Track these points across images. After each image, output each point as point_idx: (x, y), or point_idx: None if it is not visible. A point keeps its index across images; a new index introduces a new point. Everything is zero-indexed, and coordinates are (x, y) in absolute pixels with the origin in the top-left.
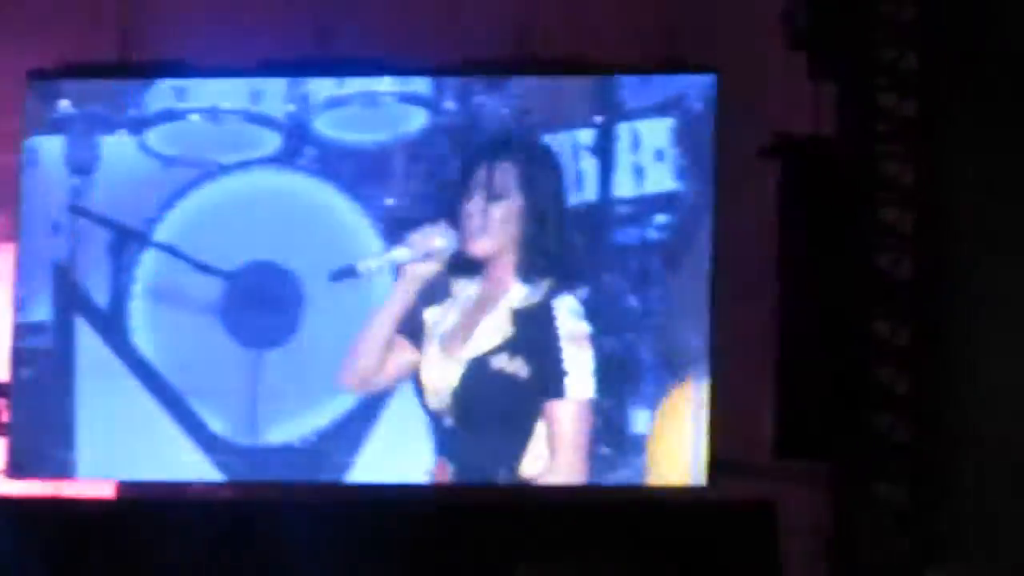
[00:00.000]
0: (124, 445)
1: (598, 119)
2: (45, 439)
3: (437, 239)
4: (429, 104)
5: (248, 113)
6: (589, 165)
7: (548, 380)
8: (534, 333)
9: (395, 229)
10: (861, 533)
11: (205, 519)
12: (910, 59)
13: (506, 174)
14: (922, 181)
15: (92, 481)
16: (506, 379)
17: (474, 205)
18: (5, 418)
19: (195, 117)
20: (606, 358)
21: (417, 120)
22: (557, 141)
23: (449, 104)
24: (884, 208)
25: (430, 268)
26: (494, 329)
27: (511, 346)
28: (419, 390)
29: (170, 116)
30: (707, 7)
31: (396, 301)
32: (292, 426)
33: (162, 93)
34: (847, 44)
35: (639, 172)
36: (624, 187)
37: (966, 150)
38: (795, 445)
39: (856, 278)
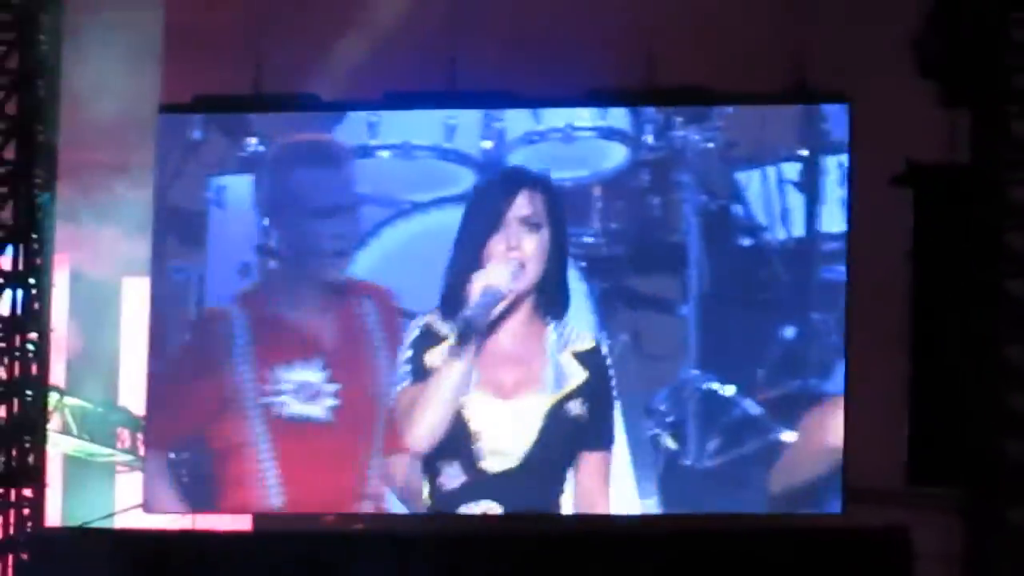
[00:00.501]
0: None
1: (803, 152)
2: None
3: (505, 277)
4: (628, 139)
5: (441, 149)
6: (796, 200)
7: (602, 429)
8: (596, 379)
9: (595, 266)
10: (994, 558)
11: (340, 550)
12: None
13: (538, 203)
14: None
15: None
16: (573, 424)
17: (508, 235)
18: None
19: (386, 154)
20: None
21: (617, 156)
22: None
23: (648, 138)
24: (1014, 234)
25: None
26: (567, 373)
27: (582, 391)
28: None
29: (361, 153)
30: (837, 36)
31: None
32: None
33: (353, 129)
34: (979, 71)
35: (848, 207)
36: (832, 222)
37: None
38: (928, 471)
39: (988, 304)
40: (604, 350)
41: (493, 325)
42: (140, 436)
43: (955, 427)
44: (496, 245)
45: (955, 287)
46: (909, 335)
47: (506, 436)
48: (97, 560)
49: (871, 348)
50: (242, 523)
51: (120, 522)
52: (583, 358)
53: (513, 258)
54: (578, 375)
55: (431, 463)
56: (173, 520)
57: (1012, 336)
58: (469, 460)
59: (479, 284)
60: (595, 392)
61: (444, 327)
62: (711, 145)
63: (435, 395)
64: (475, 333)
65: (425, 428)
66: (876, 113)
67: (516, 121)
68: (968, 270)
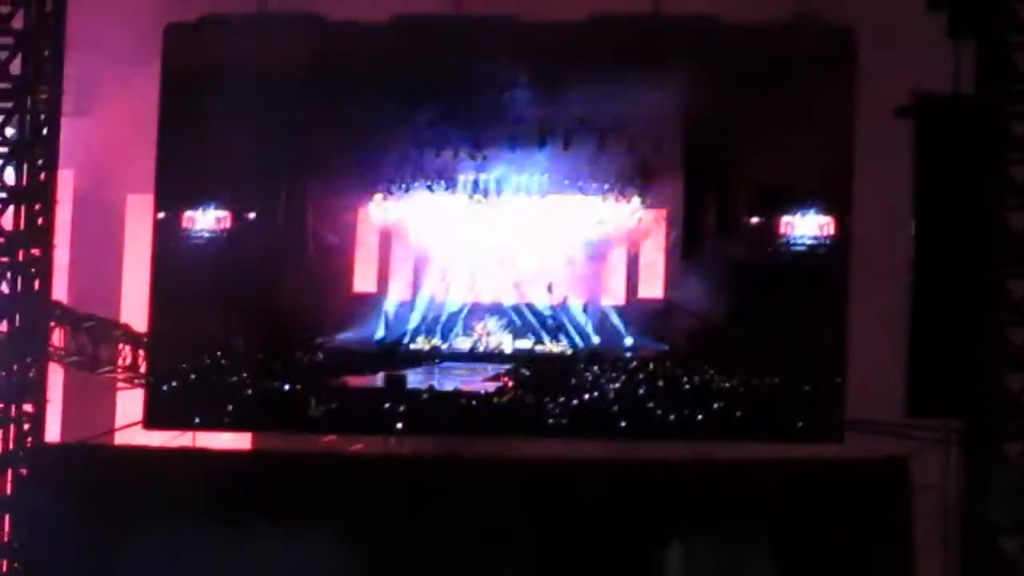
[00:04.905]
0: None
1: None
2: None
3: None
4: None
5: None
6: None
7: None
8: None
9: None
10: (990, 491)
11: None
12: None
13: None
14: None
15: None
16: None
17: None
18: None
19: None
20: None
21: None
22: None
23: None
24: (1016, 167)
25: None
26: None
27: None
28: None
29: None
30: None
31: None
32: None
33: None
34: (987, 2)
35: None
36: None
37: None
38: (927, 404)
39: (989, 236)
40: None
41: None
42: (142, 353)
43: (954, 360)
44: None
45: (956, 219)
46: (910, 268)
47: None
48: (95, 476)
49: (871, 280)
50: (241, 441)
51: (120, 438)
52: None
53: None
54: None
55: None
56: (173, 437)
57: (1013, 269)
58: None
59: None
60: None
61: None
62: None
63: None
64: None
65: None
66: (881, 44)
67: None
68: (970, 202)
